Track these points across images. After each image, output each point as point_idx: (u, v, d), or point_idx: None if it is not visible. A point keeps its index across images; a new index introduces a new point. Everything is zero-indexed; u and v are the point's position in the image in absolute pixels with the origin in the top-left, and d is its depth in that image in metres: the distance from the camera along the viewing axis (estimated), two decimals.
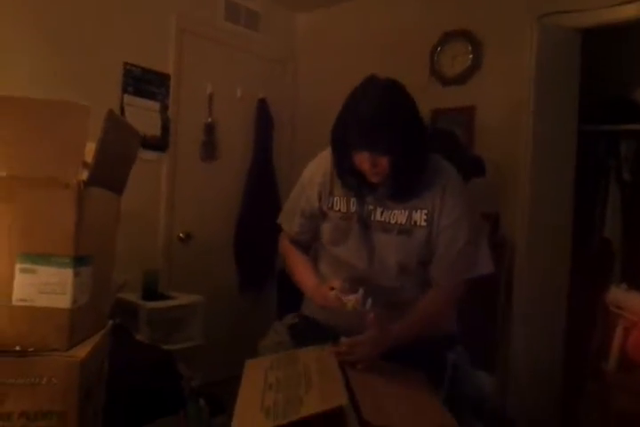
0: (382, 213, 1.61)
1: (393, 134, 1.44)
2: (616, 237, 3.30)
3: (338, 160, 1.59)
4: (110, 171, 1.13)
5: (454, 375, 1.71)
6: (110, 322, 1.24)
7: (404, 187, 1.56)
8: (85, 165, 1.03)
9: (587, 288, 3.12)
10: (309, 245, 1.81)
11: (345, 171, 1.58)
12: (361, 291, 1.47)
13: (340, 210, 1.65)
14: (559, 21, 2.88)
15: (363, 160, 1.49)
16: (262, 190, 3.54)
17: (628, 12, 2.66)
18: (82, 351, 1.01)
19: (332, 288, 1.51)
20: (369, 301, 1.46)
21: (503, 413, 2.68)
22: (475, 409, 1.99)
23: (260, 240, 3.18)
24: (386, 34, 3.42)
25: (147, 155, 3.01)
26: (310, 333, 1.69)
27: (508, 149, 2.97)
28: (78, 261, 1.01)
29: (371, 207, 1.61)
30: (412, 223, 1.59)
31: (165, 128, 3.16)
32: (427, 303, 1.61)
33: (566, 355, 3.10)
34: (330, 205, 1.66)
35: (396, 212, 1.60)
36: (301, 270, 1.74)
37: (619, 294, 2.50)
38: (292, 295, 1.86)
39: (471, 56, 3.09)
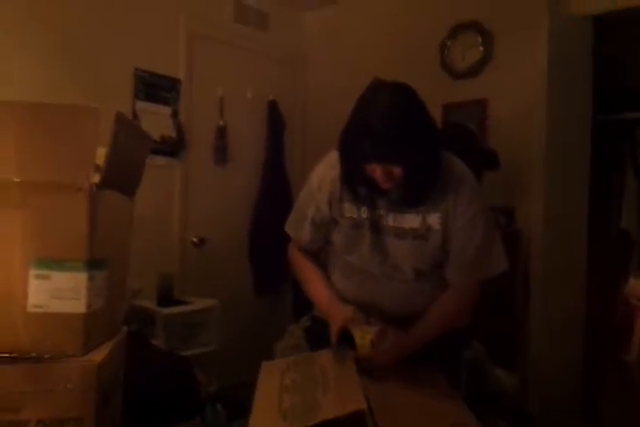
0: (395, 218, 1.56)
1: (406, 146, 1.39)
2: (633, 227, 3.25)
3: (347, 171, 1.54)
4: (122, 174, 1.12)
5: (472, 372, 1.69)
6: (125, 328, 1.24)
7: (417, 192, 1.51)
8: (97, 168, 1.03)
9: (605, 280, 3.09)
10: (319, 253, 1.75)
11: (355, 181, 1.53)
12: (377, 327, 1.45)
13: (351, 217, 1.60)
14: (571, 8, 2.85)
15: (374, 171, 1.44)
16: (275, 193, 3.53)
17: None
18: (98, 356, 1.01)
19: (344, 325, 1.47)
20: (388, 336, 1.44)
21: (524, 409, 2.66)
22: (496, 406, 1.97)
23: (275, 243, 3.15)
24: (394, 28, 3.40)
25: (160, 160, 3.02)
26: (324, 335, 1.67)
27: (522, 141, 2.93)
28: (92, 265, 1.00)
29: (382, 213, 1.57)
30: (427, 228, 1.55)
31: (179, 133, 3.16)
32: (443, 306, 1.59)
33: (587, 348, 3.07)
34: (341, 213, 1.61)
35: (408, 216, 1.55)
36: (314, 284, 1.68)
37: (638, 286, 2.46)
38: (306, 297, 1.84)
39: (482, 48, 3.06)
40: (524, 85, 2.93)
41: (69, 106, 1.05)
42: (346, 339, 1.48)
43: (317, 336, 1.79)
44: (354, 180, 1.53)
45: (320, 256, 1.75)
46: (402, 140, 1.38)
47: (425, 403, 1.28)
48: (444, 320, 1.58)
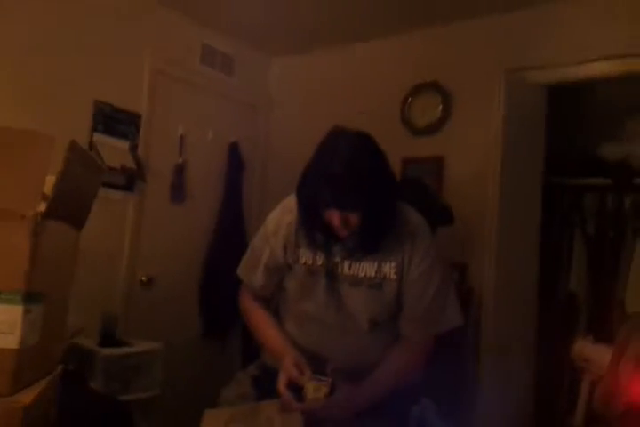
0: (350, 265, 1.55)
1: (365, 193, 1.39)
2: (581, 290, 3.32)
3: (304, 215, 1.53)
4: (70, 204, 1.08)
5: None
6: (61, 367, 1.17)
7: (372, 240, 1.51)
8: (45, 197, 0.99)
9: (554, 341, 3.12)
10: (270, 299, 1.72)
11: (312, 227, 1.53)
12: (328, 380, 1.43)
13: (305, 263, 1.58)
14: (526, 77, 2.97)
15: (332, 217, 1.43)
16: (231, 234, 3.48)
17: (592, 71, 2.75)
18: (27, 397, 0.94)
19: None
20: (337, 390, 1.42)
21: None
22: None
23: (226, 285, 3.09)
24: (358, 82, 3.48)
25: (114, 194, 2.94)
26: (273, 384, 1.61)
27: (475, 199, 2.99)
28: (29, 298, 0.95)
29: (338, 260, 1.55)
30: (382, 276, 1.54)
31: (137, 167, 3.10)
32: (396, 361, 1.56)
33: (536, 409, 3.05)
34: (295, 258, 1.59)
35: (364, 264, 1.54)
36: (265, 330, 1.66)
37: (585, 347, 2.48)
38: (256, 343, 1.78)
39: (441, 107, 3.15)
40: (478, 145, 3.02)
41: (24, 131, 1.02)
42: (293, 390, 1.44)
43: (266, 385, 1.73)
44: (311, 224, 1.52)
45: (271, 303, 1.72)
46: (362, 186, 1.38)
47: None
48: (397, 376, 1.55)
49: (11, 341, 0.93)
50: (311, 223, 1.52)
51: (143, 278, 3.20)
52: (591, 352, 2.40)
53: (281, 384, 1.45)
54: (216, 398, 1.72)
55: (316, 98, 3.66)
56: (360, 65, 3.53)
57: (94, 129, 2.93)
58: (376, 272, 1.54)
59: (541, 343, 3.13)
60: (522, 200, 3.06)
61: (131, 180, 3.07)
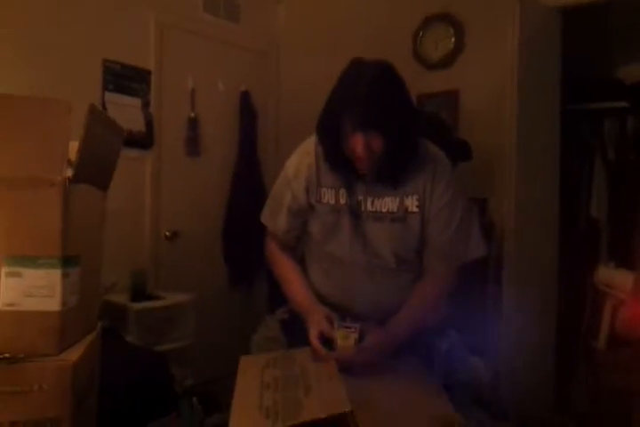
0: (373, 202, 1.56)
1: (390, 112, 1.40)
2: (602, 216, 3.31)
3: (327, 150, 1.53)
4: (95, 167, 1.10)
5: (448, 362, 1.70)
6: (100, 324, 1.22)
7: (396, 169, 1.52)
8: (69, 162, 1.00)
9: (575, 268, 3.15)
10: (296, 246, 1.73)
11: (334, 161, 1.53)
12: (357, 326, 1.45)
13: (328, 202, 1.59)
14: (541, 1, 2.87)
15: (356, 144, 1.43)
16: (248, 184, 3.51)
17: None
18: (73, 355, 0.98)
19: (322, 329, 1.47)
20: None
21: (497, 397, 2.69)
22: (471, 394, 1.99)
23: (249, 235, 3.15)
24: (368, 20, 3.38)
25: (130, 153, 2.96)
26: (301, 328, 1.66)
27: (492, 132, 2.95)
28: (66, 261, 0.98)
29: (360, 197, 1.56)
30: (405, 210, 1.55)
31: (149, 125, 3.11)
32: (422, 294, 1.58)
33: (558, 335, 3.12)
34: (318, 198, 1.60)
35: (386, 199, 1.55)
36: (291, 284, 1.66)
37: (607, 273, 2.51)
38: (281, 289, 1.82)
39: (453, 39, 3.07)
40: (494, 77, 2.95)
41: (40, 99, 1.02)
42: (325, 342, 1.46)
43: (295, 329, 1.78)
44: (333, 159, 1.53)
45: (298, 250, 1.74)
46: (386, 106, 1.40)
47: (404, 396, 1.29)
48: (424, 311, 1.58)
49: (53, 303, 0.97)
50: (334, 157, 1.53)
51: (167, 233, 3.26)
52: (613, 277, 2.44)
53: (312, 337, 1.46)
54: (246, 344, 1.77)
55: (325, 39, 3.57)
56: (368, 0, 3.42)
57: (105, 88, 2.92)
58: (398, 207, 1.55)
59: (564, 271, 3.16)
60: (540, 129, 3.01)
61: (146, 137, 3.07)
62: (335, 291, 1.63)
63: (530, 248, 2.94)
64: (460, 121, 3.06)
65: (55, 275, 0.97)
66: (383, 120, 1.40)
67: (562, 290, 3.14)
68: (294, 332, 1.71)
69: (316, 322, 1.50)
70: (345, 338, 1.43)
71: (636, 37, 3.36)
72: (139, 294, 2.84)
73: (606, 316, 2.45)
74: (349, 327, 1.46)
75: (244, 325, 2.32)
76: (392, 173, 1.52)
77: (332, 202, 1.58)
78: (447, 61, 3.11)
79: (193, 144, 3.34)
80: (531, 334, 2.93)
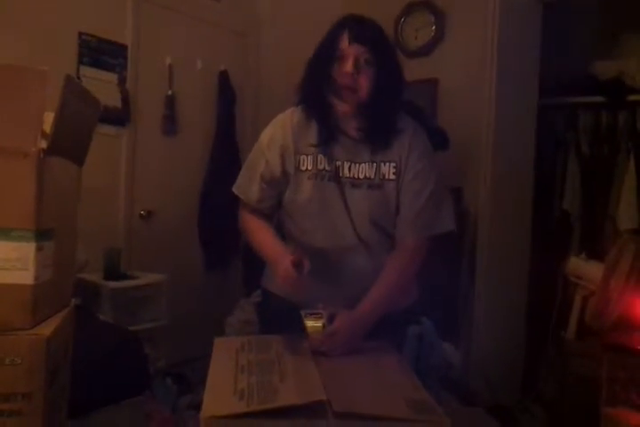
0: (350, 168, 1.57)
1: (380, 37, 1.53)
2: (575, 208, 3.36)
3: (312, 90, 1.56)
4: (71, 140, 1.07)
5: (420, 347, 1.71)
6: (74, 300, 1.20)
7: (378, 118, 1.54)
8: (44, 134, 0.98)
9: (547, 259, 3.20)
10: (271, 215, 1.70)
11: (318, 105, 1.56)
12: (322, 312, 1.43)
13: (307, 168, 1.58)
14: None
15: (346, 58, 1.48)
16: (226, 164, 3.46)
17: None
18: (47, 329, 0.97)
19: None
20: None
21: (466, 382, 2.74)
22: (441, 379, 2.02)
23: (225, 216, 3.11)
24: (349, 4, 3.34)
25: (106, 129, 2.90)
26: (275, 311, 1.65)
27: (470, 121, 2.97)
28: (40, 234, 0.95)
29: (339, 163, 1.56)
30: (381, 177, 1.56)
31: (125, 101, 3.05)
32: (393, 267, 1.58)
33: (528, 324, 3.18)
34: (297, 165, 1.59)
35: (363, 166, 1.56)
36: (263, 238, 1.63)
37: (578, 264, 2.56)
38: (258, 271, 1.81)
39: (434, 28, 3.06)
40: (473, 65, 2.96)
41: (15, 67, 0.99)
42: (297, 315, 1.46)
43: (269, 312, 1.78)
44: (317, 105, 1.55)
45: (272, 220, 1.71)
46: (378, 32, 1.53)
47: (377, 379, 1.29)
48: (394, 285, 1.57)
49: (26, 277, 0.95)
50: (317, 104, 1.55)
51: (142, 212, 3.22)
52: (584, 269, 2.48)
53: (283, 271, 1.45)
54: (220, 325, 1.76)
55: (307, 21, 3.52)
56: None
57: (80, 62, 2.85)
58: (375, 173, 1.56)
59: (535, 261, 3.22)
60: (517, 122, 3.05)
61: (122, 114, 3.02)
62: (316, 264, 1.62)
63: (503, 238, 2.98)
64: (438, 109, 3.06)
65: (29, 248, 0.95)
66: (375, 37, 1.51)
67: (533, 280, 3.20)
68: (269, 315, 1.71)
69: (285, 261, 1.46)
70: (313, 324, 1.43)
71: (612, 34, 3.40)
72: (112, 273, 2.81)
73: (576, 306, 2.50)
74: (316, 313, 1.44)
75: (219, 307, 2.32)
76: (372, 129, 1.55)
77: (311, 168, 1.58)
78: (427, 49, 3.10)
79: (170, 122, 3.28)
80: (502, 321, 2.98)
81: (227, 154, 3.52)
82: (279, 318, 1.59)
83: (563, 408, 2.45)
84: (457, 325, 2.90)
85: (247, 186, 1.66)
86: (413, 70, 3.09)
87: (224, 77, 3.53)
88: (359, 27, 1.51)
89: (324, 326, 1.42)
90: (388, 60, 1.52)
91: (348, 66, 1.48)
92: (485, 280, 2.92)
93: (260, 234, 1.64)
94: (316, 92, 1.54)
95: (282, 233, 1.71)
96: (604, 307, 2.15)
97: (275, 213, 1.71)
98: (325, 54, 1.53)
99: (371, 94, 1.50)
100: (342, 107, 1.51)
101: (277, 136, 1.61)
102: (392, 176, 1.56)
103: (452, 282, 2.90)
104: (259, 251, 1.63)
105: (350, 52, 1.48)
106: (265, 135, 1.66)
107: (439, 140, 2.71)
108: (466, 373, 2.77)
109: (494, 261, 2.95)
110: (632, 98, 3.20)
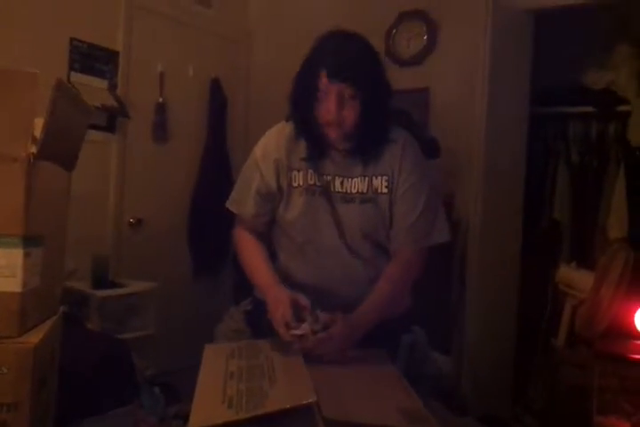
0: (342, 183, 1.55)
1: (363, 65, 1.45)
2: (565, 218, 3.37)
3: (300, 112, 1.53)
4: (60, 145, 1.05)
5: (411, 356, 1.70)
6: (62, 308, 1.18)
7: (367, 139, 1.52)
8: (34, 139, 0.96)
9: (538, 267, 3.21)
10: (266, 234, 1.68)
11: (306, 126, 1.53)
12: (305, 326, 1.41)
13: (299, 184, 1.56)
14: (514, 3, 2.90)
15: (329, 97, 1.43)
16: (216, 173, 3.46)
17: None
18: (34, 338, 0.94)
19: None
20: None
21: (457, 391, 2.73)
22: (432, 388, 2.01)
23: (214, 224, 3.11)
24: (341, 12, 3.36)
25: (96, 135, 2.89)
26: (266, 319, 1.63)
27: (461, 130, 2.98)
28: (29, 240, 0.93)
29: (329, 178, 1.55)
30: (374, 191, 1.55)
31: (117, 107, 3.03)
32: (389, 278, 1.57)
33: (518, 333, 3.17)
34: (289, 182, 1.57)
35: (355, 180, 1.55)
36: (256, 264, 1.61)
37: (568, 273, 2.56)
38: (247, 279, 1.79)
39: (426, 37, 3.08)
40: (465, 75, 2.98)
41: (5, 70, 0.97)
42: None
43: (259, 320, 1.75)
44: (306, 126, 1.52)
45: (266, 237, 1.70)
46: (359, 59, 1.45)
47: (371, 387, 1.28)
48: (389, 295, 1.56)
49: (13, 284, 0.92)
50: (305, 125, 1.52)
51: (131, 220, 3.20)
52: (574, 277, 2.48)
53: (277, 322, 1.43)
54: (210, 334, 1.74)
55: (298, 30, 3.53)
56: None
57: (71, 68, 2.84)
58: (367, 187, 1.55)
59: (526, 269, 3.22)
60: (508, 131, 3.06)
61: (112, 120, 3.00)
62: (311, 277, 1.61)
63: (494, 246, 2.99)
64: (429, 118, 3.07)
65: (17, 255, 0.92)
66: (356, 71, 1.43)
67: (523, 288, 3.20)
68: (259, 323, 1.69)
69: (280, 304, 1.45)
70: (302, 332, 1.40)
71: (603, 44, 3.42)
72: (100, 281, 2.78)
73: (566, 315, 2.50)
74: (311, 319, 1.43)
75: (208, 315, 2.29)
76: (362, 143, 1.52)
77: (302, 183, 1.56)
78: (419, 59, 3.13)
79: (160, 130, 3.27)
80: (492, 330, 2.98)
81: (217, 162, 3.52)
82: (272, 328, 1.57)
83: (553, 417, 2.44)
84: (448, 333, 2.89)
85: (242, 200, 1.64)
86: (405, 79, 3.12)
87: (215, 85, 3.53)
88: (337, 60, 1.43)
89: (312, 332, 1.40)
90: (372, 88, 1.46)
91: (331, 104, 1.43)
92: (476, 289, 2.92)
93: (253, 258, 1.62)
94: (302, 120, 1.53)
95: (273, 249, 1.69)
96: (595, 315, 2.14)
97: (268, 231, 1.69)
98: (306, 92, 1.48)
99: (357, 124, 1.47)
100: (330, 134, 1.50)
101: (271, 149, 1.60)
102: (384, 190, 1.55)
103: (444, 290, 2.90)
104: (249, 274, 1.62)
105: (332, 89, 1.43)
106: (258, 148, 1.64)
107: (431, 149, 2.72)
108: (457, 382, 2.76)
109: (485, 270, 2.95)
110: (622, 108, 3.22)
